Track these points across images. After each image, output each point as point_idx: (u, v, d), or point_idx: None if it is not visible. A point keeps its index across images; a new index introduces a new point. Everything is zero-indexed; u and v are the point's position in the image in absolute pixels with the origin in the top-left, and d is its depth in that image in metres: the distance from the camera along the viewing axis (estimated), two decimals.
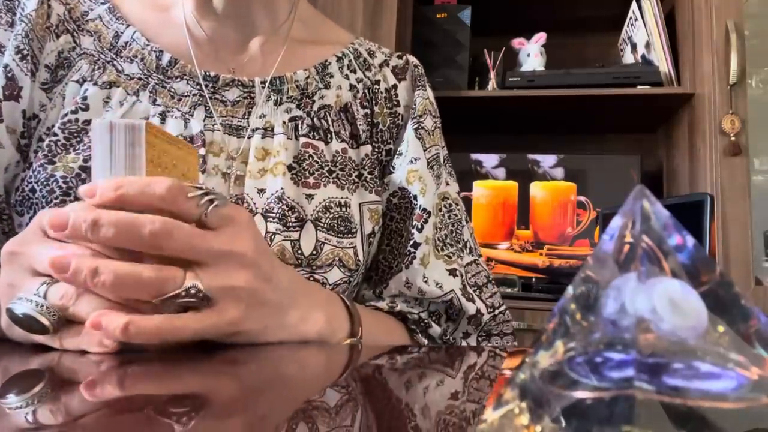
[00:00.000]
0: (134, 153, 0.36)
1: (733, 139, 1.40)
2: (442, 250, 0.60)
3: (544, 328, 0.19)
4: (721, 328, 0.17)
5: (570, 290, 0.19)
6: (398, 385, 0.31)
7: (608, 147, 1.83)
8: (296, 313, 0.42)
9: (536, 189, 1.73)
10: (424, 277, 0.57)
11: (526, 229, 1.72)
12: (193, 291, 0.34)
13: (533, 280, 1.66)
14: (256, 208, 0.53)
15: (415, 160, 0.61)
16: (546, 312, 1.39)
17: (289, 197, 0.54)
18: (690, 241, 0.18)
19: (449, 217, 0.63)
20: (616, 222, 0.18)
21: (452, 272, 0.59)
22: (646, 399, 0.15)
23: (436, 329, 0.58)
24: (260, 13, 0.60)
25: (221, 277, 0.36)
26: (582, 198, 1.70)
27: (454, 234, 0.62)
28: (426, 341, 0.57)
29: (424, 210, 0.60)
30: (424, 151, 0.62)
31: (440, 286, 0.58)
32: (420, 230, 0.59)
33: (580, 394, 0.16)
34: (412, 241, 0.59)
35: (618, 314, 0.17)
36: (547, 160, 1.73)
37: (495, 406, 0.19)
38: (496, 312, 0.61)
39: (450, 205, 0.63)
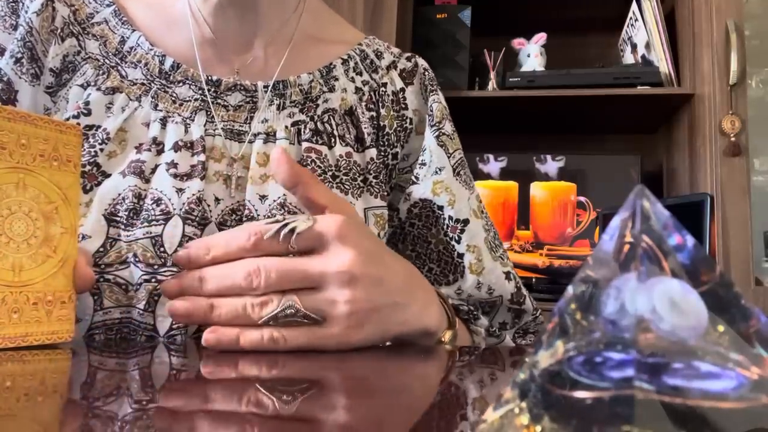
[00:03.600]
0: None
1: (733, 139, 1.40)
2: (495, 251, 0.60)
3: (545, 328, 0.19)
4: (721, 328, 0.17)
5: (570, 290, 0.18)
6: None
7: (608, 147, 1.83)
8: (416, 307, 0.43)
9: (536, 189, 1.73)
10: (478, 284, 0.58)
11: (526, 230, 1.71)
12: (290, 311, 0.37)
13: (533, 280, 1.66)
14: (258, 214, 0.52)
15: (440, 170, 0.60)
16: (546, 312, 1.39)
17: (291, 203, 0.52)
18: (690, 241, 0.18)
19: (488, 221, 0.63)
20: (616, 222, 0.18)
21: (507, 275, 0.60)
22: (646, 399, 0.15)
23: (483, 321, 0.58)
24: (268, 1, 0.59)
25: (320, 297, 0.38)
26: (582, 198, 1.70)
27: (497, 235, 0.63)
28: (482, 330, 0.58)
29: (458, 221, 0.59)
30: (449, 157, 0.61)
31: (491, 293, 0.59)
32: (459, 241, 0.58)
33: (580, 394, 0.16)
34: (456, 252, 0.59)
35: (618, 314, 0.17)
36: (546, 160, 1.73)
37: (495, 406, 0.19)
38: (538, 314, 0.62)
39: (483, 209, 0.63)
